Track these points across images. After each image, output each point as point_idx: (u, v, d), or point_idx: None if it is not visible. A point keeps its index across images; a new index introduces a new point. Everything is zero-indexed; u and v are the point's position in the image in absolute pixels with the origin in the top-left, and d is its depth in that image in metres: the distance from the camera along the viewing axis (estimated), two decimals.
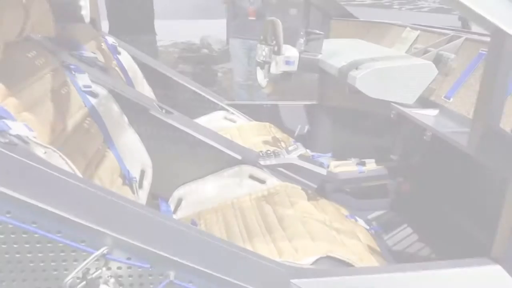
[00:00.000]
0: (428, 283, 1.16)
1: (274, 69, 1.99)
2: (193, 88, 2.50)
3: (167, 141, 1.68)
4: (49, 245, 0.83)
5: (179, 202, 1.72)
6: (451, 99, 1.64)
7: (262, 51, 2.22)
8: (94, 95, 1.52)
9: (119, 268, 0.87)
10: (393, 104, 1.71)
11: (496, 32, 0.98)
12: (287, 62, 2.03)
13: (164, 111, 1.74)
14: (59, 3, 1.48)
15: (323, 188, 1.90)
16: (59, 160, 0.98)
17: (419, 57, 1.84)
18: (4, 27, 1.05)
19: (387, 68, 1.67)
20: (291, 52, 2.04)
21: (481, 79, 1.03)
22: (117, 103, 1.57)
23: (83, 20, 1.57)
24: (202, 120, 2.48)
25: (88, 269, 0.83)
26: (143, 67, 2.40)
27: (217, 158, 1.73)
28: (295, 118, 2.68)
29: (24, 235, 0.81)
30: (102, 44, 2.16)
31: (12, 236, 0.81)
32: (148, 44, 3.50)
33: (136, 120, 1.62)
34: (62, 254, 0.84)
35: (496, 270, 1.16)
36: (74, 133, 1.32)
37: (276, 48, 1.96)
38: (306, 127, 2.69)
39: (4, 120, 0.93)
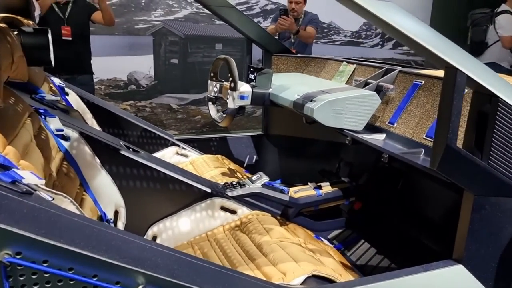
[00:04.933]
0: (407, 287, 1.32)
1: (231, 104, 2.10)
2: (143, 126, 2.51)
3: (138, 179, 1.68)
4: None
5: (153, 239, 1.72)
6: (395, 124, 1.86)
7: (214, 87, 2.33)
8: (66, 138, 1.50)
9: None
10: (346, 131, 1.89)
11: (448, 68, 1.18)
12: (242, 97, 2.16)
13: (131, 150, 1.75)
14: (26, 48, 1.45)
15: (285, 213, 2.01)
16: (70, 206, 0.98)
17: (362, 88, 2.07)
18: (1, 72, 1.04)
19: (340, 99, 1.85)
20: (244, 88, 2.17)
21: (439, 107, 1.23)
22: (88, 145, 1.56)
23: (50, 64, 1.55)
24: None
25: None
26: (91, 106, 2.36)
27: (188, 193, 1.76)
28: (243, 149, 2.79)
29: (59, 283, 0.81)
30: (51, 85, 2.10)
31: (47, 285, 0.80)
32: (85, 84, 3.42)
33: (107, 161, 1.61)
34: None
35: (459, 269, 1.35)
36: (58, 178, 1.30)
37: (232, 85, 2.07)
38: (255, 157, 2.81)
39: (13, 169, 0.92)
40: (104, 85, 5.08)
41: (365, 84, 2.09)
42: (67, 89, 2.27)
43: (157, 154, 2.50)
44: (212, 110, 2.35)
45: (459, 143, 1.39)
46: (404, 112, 1.86)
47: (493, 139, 1.24)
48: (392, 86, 1.95)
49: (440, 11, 6.31)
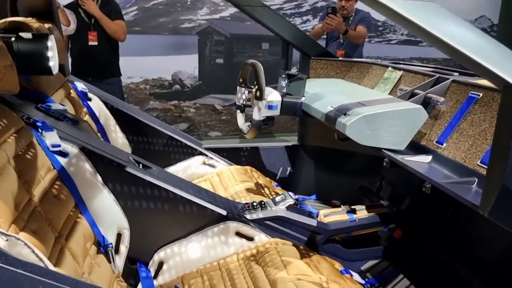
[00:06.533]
0: None
1: (256, 116, 1.90)
2: (170, 133, 2.37)
3: (145, 199, 1.53)
4: None
5: (160, 266, 1.56)
6: (444, 145, 1.58)
7: (242, 94, 2.14)
8: (63, 154, 1.37)
9: None
10: (384, 151, 1.64)
11: (508, 88, 0.91)
12: (270, 107, 1.96)
13: (141, 166, 1.61)
14: (23, 55, 1.34)
15: (313, 240, 1.78)
16: (24, 249, 0.83)
17: (406, 99, 1.79)
18: None
19: (377, 114, 1.60)
20: (273, 96, 1.96)
21: (494, 135, 0.96)
22: (89, 162, 1.43)
23: (50, 73, 1.44)
24: (179, 167, 2.35)
25: None
26: (115, 112, 2.26)
27: (200, 215, 1.59)
28: (276, 160, 2.59)
29: None
30: (71, 91, 2.02)
31: None
32: (113, 83, 3.33)
33: (111, 179, 1.48)
34: None
35: None
36: (42, 203, 1.17)
37: (258, 94, 1.87)
38: (288, 169, 2.59)
39: None
40: (149, 84, 5.06)
41: (411, 95, 1.81)
42: (90, 95, 2.17)
43: (183, 164, 2.37)
44: (240, 119, 2.16)
45: None
46: (456, 131, 1.57)
47: None
48: (442, 99, 1.66)
49: None
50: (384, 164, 1.65)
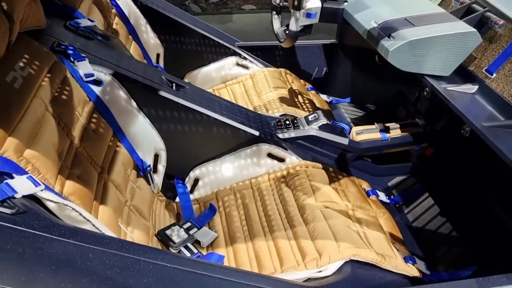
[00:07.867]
0: None
1: (293, 26, 1.78)
2: (202, 32, 2.28)
3: (179, 122, 1.56)
4: None
5: (195, 182, 1.66)
6: (494, 75, 1.47)
7: None
8: (97, 83, 1.37)
9: None
10: (426, 78, 1.55)
11: None
12: (308, 15, 1.83)
13: (174, 86, 1.60)
14: None
15: (343, 157, 1.82)
16: (72, 212, 0.91)
17: (459, 16, 1.62)
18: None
19: (424, 39, 1.48)
20: (312, 3, 1.81)
21: None
22: (123, 88, 1.43)
23: None
24: (212, 68, 2.32)
25: None
26: (145, 9, 2.16)
27: (233, 137, 1.63)
28: (312, 59, 2.49)
29: None
30: None
31: None
32: None
33: (145, 103, 1.49)
34: None
35: None
36: (82, 141, 1.21)
37: (296, 2, 1.72)
38: (324, 69, 2.51)
39: (7, 181, 0.83)
40: None
41: (467, 11, 1.63)
42: None
43: (216, 64, 2.33)
44: (276, 22, 2.03)
45: None
46: (510, 61, 1.45)
47: None
48: (502, 21, 1.49)
49: None
50: (425, 93, 1.57)
